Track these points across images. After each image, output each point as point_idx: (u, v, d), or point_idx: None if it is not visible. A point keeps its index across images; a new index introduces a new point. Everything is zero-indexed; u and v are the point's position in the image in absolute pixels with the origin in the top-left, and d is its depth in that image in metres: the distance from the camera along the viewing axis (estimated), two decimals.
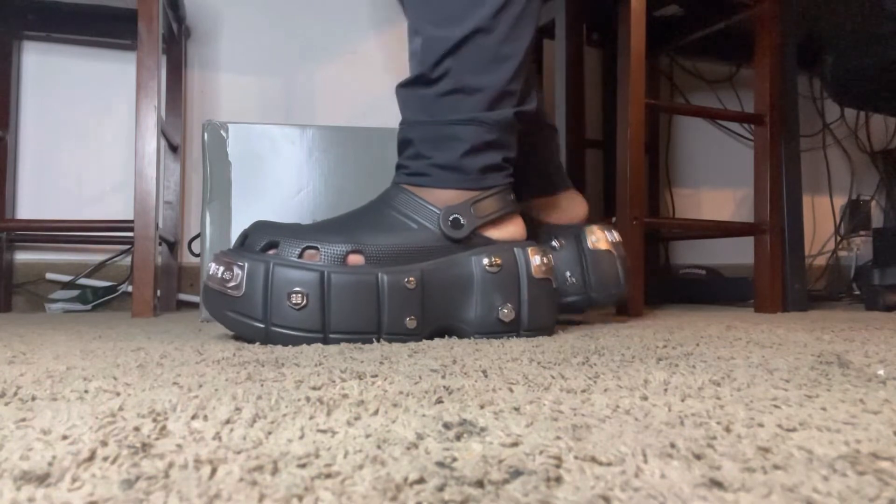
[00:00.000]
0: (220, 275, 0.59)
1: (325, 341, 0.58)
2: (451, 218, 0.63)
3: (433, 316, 0.62)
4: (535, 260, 0.65)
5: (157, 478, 0.20)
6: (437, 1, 0.65)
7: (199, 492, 0.19)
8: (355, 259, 0.59)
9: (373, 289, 0.58)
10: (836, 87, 1.58)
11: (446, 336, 0.63)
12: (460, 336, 0.64)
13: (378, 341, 0.59)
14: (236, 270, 0.58)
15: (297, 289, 0.57)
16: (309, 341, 0.57)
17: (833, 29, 1.47)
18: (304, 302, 0.57)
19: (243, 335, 0.59)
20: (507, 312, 0.63)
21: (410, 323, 0.60)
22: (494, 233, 0.66)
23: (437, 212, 0.63)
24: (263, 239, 0.59)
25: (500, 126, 0.67)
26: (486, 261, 0.63)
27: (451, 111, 0.65)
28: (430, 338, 0.62)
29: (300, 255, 0.58)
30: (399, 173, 0.68)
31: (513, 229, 0.68)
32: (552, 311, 0.68)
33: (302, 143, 0.98)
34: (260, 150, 0.98)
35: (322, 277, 0.57)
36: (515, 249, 0.65)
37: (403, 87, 0.67)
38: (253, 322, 0.57)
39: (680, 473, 0.21)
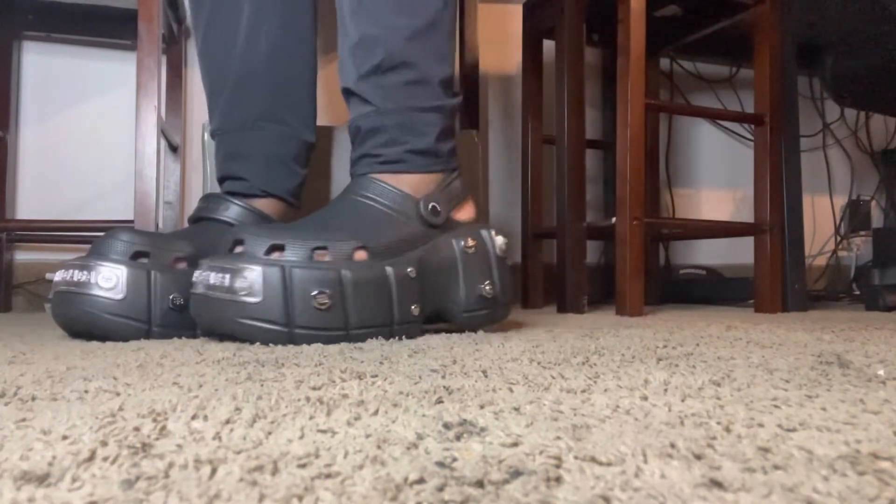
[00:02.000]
0: (226, 283, 0.58)
1: (349, 339, 0.59)
2: (430, 206, 0.67)
3: (430, 301, 0.65)
4: (498, 240, 0.70)
5: (157, 478, 0.20)
6: None
7: (199, 492, 0.19)
8: (361, 255, 0.61)
9: (384, 282, 0.61)
10: (836, 87, 1.58)
11: (440, 324, 0.65)
12: (448, 318, 0.68)
13: (392, 334, 0.61)
14: (249, 276, 0.57)
15: (322, 289, 0.58)
16: (334, 340, 0.58)
17: (833, 29, 1.47)
18: (330, 301, 0.58)
19: (259, 340, 0.58)
20: (488, 290, 0.68)
21: (415, 311, 0.63)
22: (459, 215, 0.71)
23: (417, 200, 0.66)
24: (265, 243, 0.59)
25: (453, 113, 0.73)
26: (463, 242, 0.67)
27: (419, 99, 0.69)
28: (426, 322, 0.67)
29: (310, 257, 0.59)
30: (367, 162, 0.69)
31: (469, 210, 0.73)
32: (514, 288, 0.72)
33: None
34: None
35: (340, 276, 0.58)
36: (482, 231, 0.70)
37: (365, 77, 0.68)
38: (273, 326, 0.57)
39: (680, 473, 0.21)
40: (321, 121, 0.89)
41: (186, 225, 0.82)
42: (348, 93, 0.71)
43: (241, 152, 0.79)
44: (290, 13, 0.81)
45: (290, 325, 0.57)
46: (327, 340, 0.58)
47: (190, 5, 0.83)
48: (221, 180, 0.81)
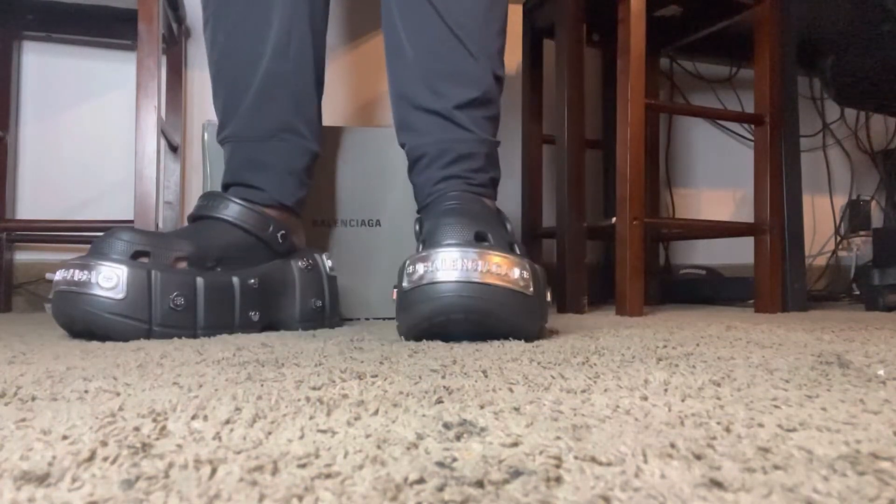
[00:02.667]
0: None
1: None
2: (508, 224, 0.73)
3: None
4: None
5: (157, 478, 0.20)
6: (499, 35, 0.77)
7: (199, 492, 0.19)
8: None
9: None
10: (836, 87, 1.58)
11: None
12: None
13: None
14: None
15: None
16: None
17: (833, 29, 1.47)
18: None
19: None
20: None
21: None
22: None
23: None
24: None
25: None
26: None
27: (494, 134, 0.76)
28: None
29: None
30: (457, 183, 0.72)
31: None
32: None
33: None
34: None
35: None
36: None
37: (463, 108, 0.73)
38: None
39: (680, 473, 0.21)
40: (326, 121, 0.89)
41: (186, 223, 0.81)
42: (431, 112, 0.74)
43: (261, 162, 0.79)
44: (314, 24, 0.81)
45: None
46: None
47: (208, 11, 0.81)
48: (228, 186, 0.80)
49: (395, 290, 0.62)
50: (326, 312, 0.80)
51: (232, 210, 0.75)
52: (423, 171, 0.75)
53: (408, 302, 0.59)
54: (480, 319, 0.57)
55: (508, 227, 0.70)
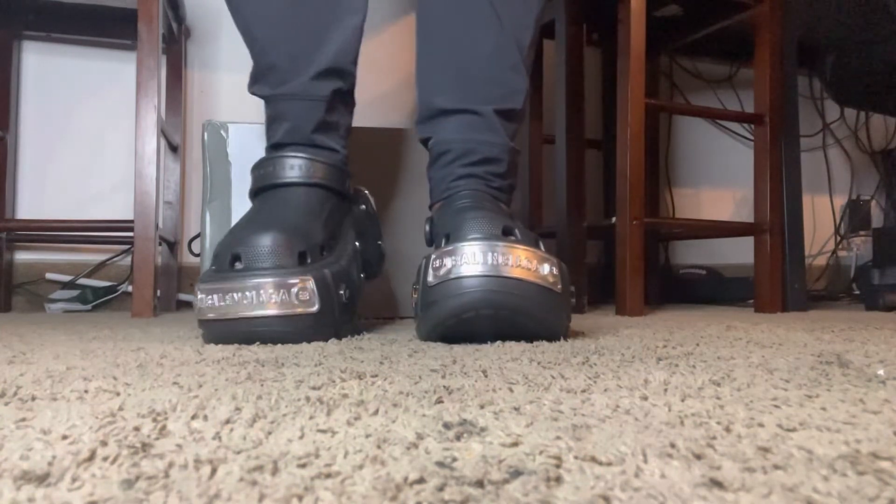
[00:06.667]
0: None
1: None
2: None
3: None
4: None
5: (157, 478, 0.20)
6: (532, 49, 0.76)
7: (199, 492, 0.19)
8: None
9: None
10: (836, 87, 1.58)
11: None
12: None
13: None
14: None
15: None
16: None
17: (833, 29, 1.47)
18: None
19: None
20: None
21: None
22: None
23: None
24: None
25: None
26: None
27: (516, 143, 0.75)
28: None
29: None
30: (477, 183, 0.70)
31: None
32: None
33: None
34: (260, 150, 0.97)
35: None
36: None
37: (501, 115, 0.72)
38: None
39: (680, 473, 0.21)
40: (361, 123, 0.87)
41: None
42: (467, 112, 0.71)
43: (333, 123, 0.76)
44: None
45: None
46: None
47: None
48: (288, 145, 0.74)
49: (415, 289, 0.60)
50: (383, 252, 0.80)
51: (321, 172, 0.71)
52: (445, 166, 0.72)
53: (433, 297, 0.56)
54: (510, 316, 0.56)
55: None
